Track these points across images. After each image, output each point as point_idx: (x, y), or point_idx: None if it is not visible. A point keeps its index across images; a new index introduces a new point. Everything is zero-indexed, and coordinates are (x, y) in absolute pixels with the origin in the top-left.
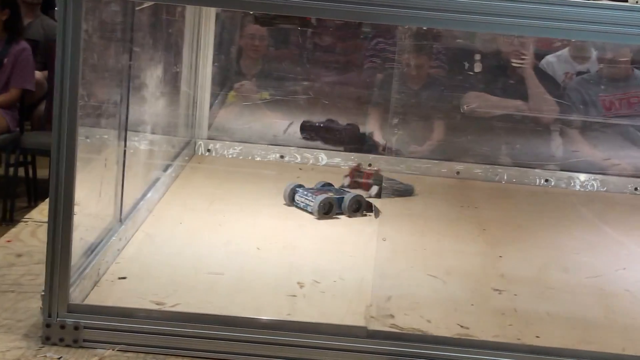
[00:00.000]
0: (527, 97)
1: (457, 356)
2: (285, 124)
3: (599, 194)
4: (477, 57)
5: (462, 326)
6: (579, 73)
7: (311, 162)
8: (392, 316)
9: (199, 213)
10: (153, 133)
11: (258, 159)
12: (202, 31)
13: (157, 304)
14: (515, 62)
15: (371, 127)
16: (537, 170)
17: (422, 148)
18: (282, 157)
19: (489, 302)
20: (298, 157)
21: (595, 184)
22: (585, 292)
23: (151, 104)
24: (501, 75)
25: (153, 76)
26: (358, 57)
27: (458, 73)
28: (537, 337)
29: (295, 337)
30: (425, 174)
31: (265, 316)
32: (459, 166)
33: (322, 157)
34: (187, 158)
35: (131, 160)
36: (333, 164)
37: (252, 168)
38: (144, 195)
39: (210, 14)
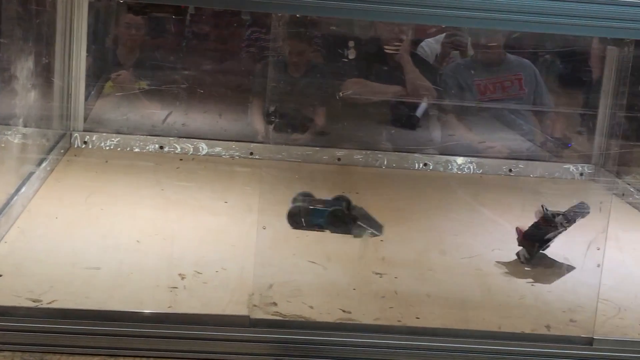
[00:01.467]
0: (405, 82)
1: (340, 340)
2: (164, 114)
3: (476, 176)
4: (351, 44)
5: (344, 311)
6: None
7: (191, 152)
8: (275, 304)
9: (76, 207)
10: (25, 126)
11: (137, 150)
12: (75, 21)
13: (34, 301)
14: (388, 49)
15: (254, 116)
16: (416, 154)
17: (304, 136)
18: (161, 147)
19: (370, 286)
20: (178, 147)
21: (471, 167)
22: (463, 272)
23: (22, 97)
24: (380, 61)
25: (24, 68)
26: (236, 46)
27: (338, 61)
28: (417, 318)
29: (177, 330)
30: (307, 161)
31: (146, 309)
32: (339, 152)
33: (203, 146)
34: (62, 151)
35: (2, 155)
36: (214, 153)
37: (131, 160)
38: (18, 190)
39: (82, 3)
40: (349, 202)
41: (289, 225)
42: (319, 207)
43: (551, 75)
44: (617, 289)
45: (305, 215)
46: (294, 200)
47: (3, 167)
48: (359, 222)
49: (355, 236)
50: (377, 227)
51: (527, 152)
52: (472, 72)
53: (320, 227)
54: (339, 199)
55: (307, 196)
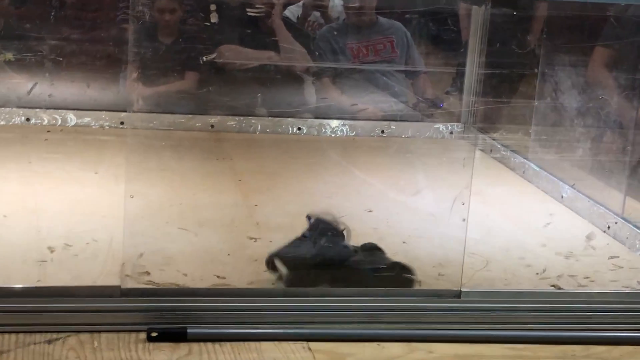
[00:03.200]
0: (278, 47)
1: (213, 306)
2: (29, 85)
3: (349, 138)
4: (213, 7)
5: (218, 276)
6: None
7: (59, 123)
8: (147, 273)
9: None
10: None
11: (2, 122)
12: None
13: None
14: (252, 12)
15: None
16: (289, 119)
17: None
18: (27, 119)
19: (245, 251)
20: (45, 119)
21: (345, 129)
22: None
23: None
24: (252, 27)
25: None
26: (108, 14)
27: (208, 26)
28: None
29: (46, 303)
30: (179, 128)
31: (14, 284)
32: (212, 119)
33: (71, 117)
34: None
35: None
36: (83, 124)
37: None
38: None
39: None
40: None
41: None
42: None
43: (421, 36)
44: (484, 242)
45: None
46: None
47: None
48: None
49: None
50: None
51: (400, 113)
52: (345, 35)
53: None
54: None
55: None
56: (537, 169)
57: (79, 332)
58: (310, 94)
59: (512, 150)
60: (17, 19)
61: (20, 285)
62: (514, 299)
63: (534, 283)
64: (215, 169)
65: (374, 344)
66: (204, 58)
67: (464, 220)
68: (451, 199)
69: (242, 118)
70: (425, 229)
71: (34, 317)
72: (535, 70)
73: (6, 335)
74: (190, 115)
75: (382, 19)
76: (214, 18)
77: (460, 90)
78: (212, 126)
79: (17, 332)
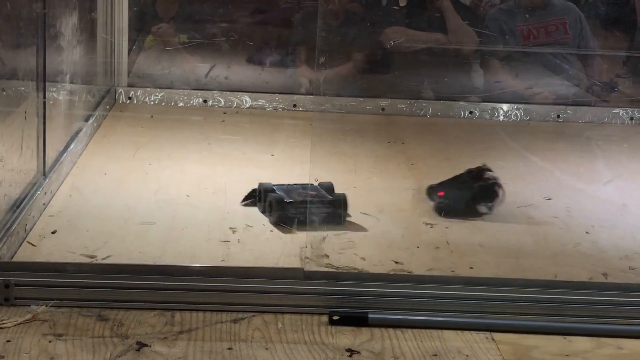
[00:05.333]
0: (447, 29)
1: (393, 292)
2: (206, 68)
3: (523, 123)
4: None
5: (396, 262)
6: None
7: (235, 105)
8: (326, 256)
9: (124, 162)
10: (72, 83)
11: (181, 104)
12: None
13: (89, 257)
14: None
15: (300, 68)
16: (461, 102)
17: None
18: (205, 101)
19: (421, 237)
20: (222, 100)
21: (518, 114)
22: (516, 221)
23: (68, 53)
24: (420, 8)
25: (69, 24)
26: None
27: (376, 7)
28: (471, 268)
29: (231, 283)
30: (351, 112)
31: (199, 263)
32: (383, 102)
33: (246, 99)
34: (108, 107)
35: (51, 112)
36: (257, 105)
37: (176, 114)
38: (67, 147)
39: None
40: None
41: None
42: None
43: (596, 18)
44: None
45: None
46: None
47: (52, 124)
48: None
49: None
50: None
51: (573, 97)
52: (516, 16)
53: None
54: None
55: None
56: None
57: (263, 312)
58: (480, 77)
59: None
60: (191, 2)
61: (206, 265)
62: None
63: None
64: (387, 152)
65: (561, 338)
66: (391, 42)
67: None
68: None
69: (412, 101)
70: (610, 219)
71: (220, 297)
72: None
73: (194, 313)
74: (361, 99)
75: (554, 0)
76: (402, 2)
77: (638, 74)
78: (382, 109)
79: (205, 311)
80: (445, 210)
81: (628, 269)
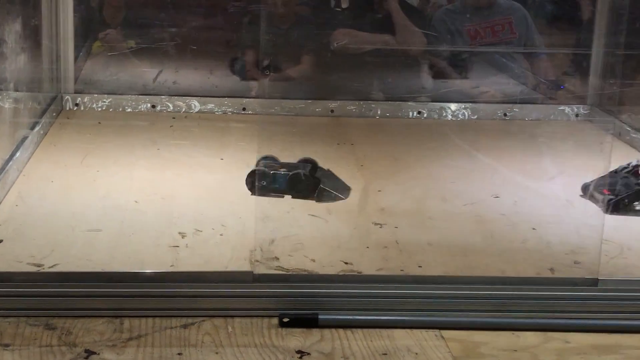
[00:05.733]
0: (394, 31)
1: (343, 292)
2: (154, 73)
3: (471, 121)
4: None
5: (346, 262)
6: None
7: (184, 109)
8: (276, 259)
9: (72, 169)
10: (17, 90)
11: (129, 110)
12: None
13: (35, 266)
14: None
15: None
16: (409, 103)
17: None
18: (153, 106)
19: (370, 237)
20: (170, 105)
21: (466, 113)
22: (463, 219)
23: (12, 61)
24: (368, 10)
25: (12, 31)
26: (224, 1)
27: (325, 10)
28: (420, 267)
29: (180, 288)
30: (300, 114)
31: (148, 269)
32: (332, 104)
33: (195, 104)
34: (54, 114)
35: None
36: (206, 110)
37: (123, 120)
38: (12, 155)
39: None
40: (315, 165)
41: (248, 189)
42: (281, 171)
43: (542, 16)
44: (619, 229)
45: (266, 179)
46: (257, 164)
47: None
48: (322, 186)
49: (318, 201)
50: (344, 191)
51: (520, 95)
52: (462, 17)
53: (280, 192)
54: (304, 162)
55: (270, 160)
56: None
57: (213, 316)
58: (428, 78)
59: None
60: (139, 7)
61: (155, 270)
62: None
63: None
64: (337, 154)
65: (509, 333)
66: (335, 44)
67: None
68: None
69: (361, 103)
70: (556, 215)
71: (169, 302)
72: None
73: (143, 320)
74: (310, 101)
75: (500, 0)
76: (345, 3)
77: (586, 72)
78: (332, 111)
79: (154, 317)
80: (622, 206)
81: (573, 263)
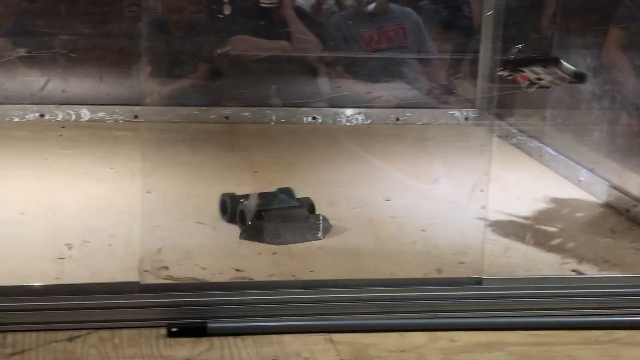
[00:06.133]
0: (290, 37)
1: (234, 299)
2: (42, 81)
3: (364, 126)
4: None
5: (237, 270)
6: None
7: (74, 118)
8: (166, 268)
9: None
10: None
11: (16, 119)
12: None
13: None
14: (264, 3)
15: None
16: (305, 109)
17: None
18: (42, 115)
19: (261, 244)
20: (59, 114)
21: (360, 118)
22: (355, 223)
23: None
24: (263, 17)
25: None
26: (117, 8)
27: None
28: (311, 271)
29: (65, 301)
30: (194, 121)
31: (33, 282)
32: (227, 111)
33: (85, 112)
34: None
35: None
36: (97, 118)
37: (10, 130)
38: None
39: None
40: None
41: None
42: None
43: (436, 22)
44: (503, 229)
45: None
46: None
47: None
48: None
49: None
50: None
51: (413, 99)
52: (356, 23)
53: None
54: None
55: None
56: (554, 153)
57: (99, 329)
58: (324, 83)
59: (528, 135)
60: (29, 15)
61: (39, 283)
62: (536, 285)
63: (555, 269)
64: (231, 161)
65: (396, 334)
66: (218, 50)
67: (483, 207)
68: (470, 186)
69: (256, 109)
70: (444, 216)
71: (54, 315)
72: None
73: (27, 334)
74: (204, 108)
75: (393, 6)
76: (227, 10)
77: (474, 76)
78: (226, 117)
79: (38, 331)
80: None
81: (459, 263)
